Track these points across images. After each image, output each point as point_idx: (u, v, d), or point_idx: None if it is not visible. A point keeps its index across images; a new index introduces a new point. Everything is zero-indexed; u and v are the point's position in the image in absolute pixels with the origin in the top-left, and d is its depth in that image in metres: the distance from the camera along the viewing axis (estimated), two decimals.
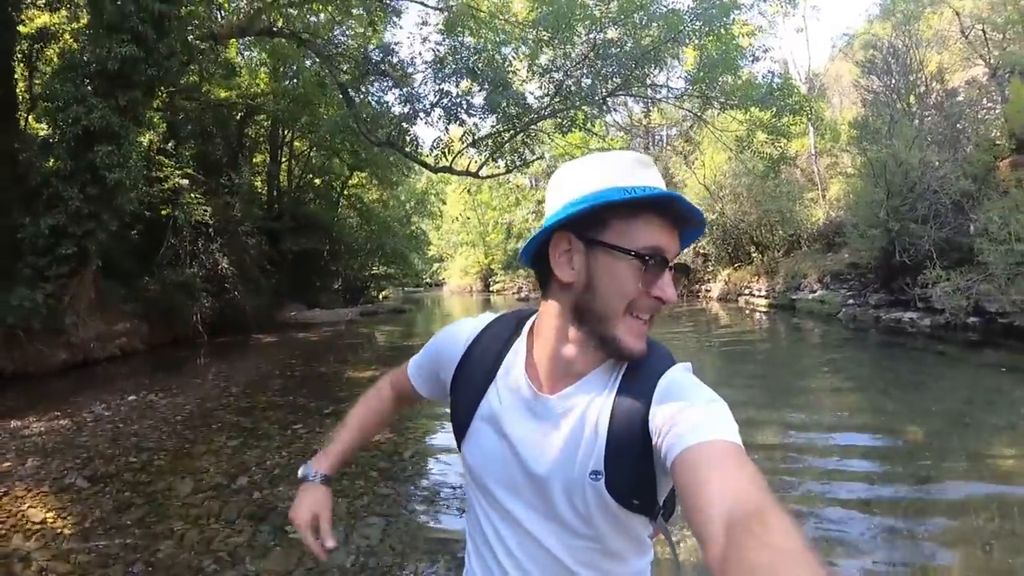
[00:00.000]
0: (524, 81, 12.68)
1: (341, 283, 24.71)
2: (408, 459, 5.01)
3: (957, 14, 15.36)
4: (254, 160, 21.39)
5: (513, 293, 39.56)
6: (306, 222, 20.39)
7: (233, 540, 3.52)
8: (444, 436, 5.50)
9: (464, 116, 11.88)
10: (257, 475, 4.53)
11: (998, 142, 12.93)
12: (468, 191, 32.62)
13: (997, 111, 14.25)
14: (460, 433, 1.03)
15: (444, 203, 41.63)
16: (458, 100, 11.73)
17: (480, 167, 13.93)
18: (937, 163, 12.24)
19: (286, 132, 21.36)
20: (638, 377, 0.89)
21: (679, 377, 0.87)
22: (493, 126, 12.60)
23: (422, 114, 11.87)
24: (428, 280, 59.47)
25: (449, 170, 13.32)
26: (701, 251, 24.49)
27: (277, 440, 5.44)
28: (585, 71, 11.67)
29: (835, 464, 4.66)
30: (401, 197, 30.74)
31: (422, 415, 6.30)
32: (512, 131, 12.45)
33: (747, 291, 20.58)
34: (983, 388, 7.18)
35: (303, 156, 23.47)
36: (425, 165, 14.11)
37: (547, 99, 12.24)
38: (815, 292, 16.50)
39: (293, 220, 19.90)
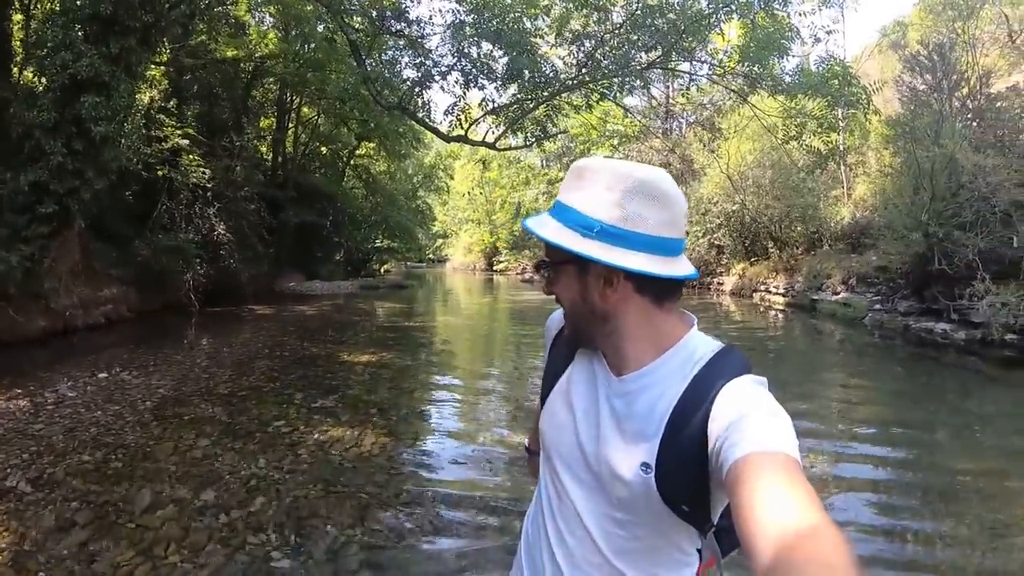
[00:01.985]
0: (552, 46, 11.75)
1: (343, 255, 24.30)
2: (406, 475, 4.31)
3: (1006, 17, 14.37)
4: (260, 125, 20.65)
5: (517, 274, 38.92)
6: (310, 191, 19.88)
7: None
8: (447, 447, 4.82)
9: (484, 81, 10.98)
10: (229, 488, 3.81)
11: None
12: (483, 163, 31.70)
13: None
14: (542, 405, 1.09)
15: (452, 178, 40.83)
16: (478, 64, 10.81)
17: (497, 138, 12.88)
18: (990, 168, 11.39)
19: (294, 97, 20.66)
20: (708, 378, 0.87)
21: (746, 386, 0.85)
22: (514, 95, 11.66)
23: (437, 77, 10.97)
24: (431, 256, 58.99)
25: (464, 139, 12.36)
26: (716, 242, 23.64)
27: (256, 441, 4.70)
28: (621, 40, 10.71)
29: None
30: (408, 170, 30.08)
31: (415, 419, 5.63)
32: (535, 101, 11.53)
33: (763, 287, 19.68)
34: None
35: (310, 123, 22.78)
36: (438, 133, 13.23)
37: (575, 69, 11.30)
38: (838, 294, 15.70)
39: (296, 189, 19.36)
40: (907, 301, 12.96)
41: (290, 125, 21.63)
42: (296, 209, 18.67)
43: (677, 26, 10.27)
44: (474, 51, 10.73)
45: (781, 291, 18.37)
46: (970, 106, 14.10)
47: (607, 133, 24.62)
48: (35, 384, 6.23)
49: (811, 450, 4.83)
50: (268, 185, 18.52)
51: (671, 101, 28.53)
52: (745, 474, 0.71)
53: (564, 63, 11.50)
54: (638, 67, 10.57)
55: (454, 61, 10.83)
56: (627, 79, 11.00)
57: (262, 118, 20.90)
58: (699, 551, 0.94)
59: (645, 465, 0.87)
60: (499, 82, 11.07)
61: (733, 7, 10.52)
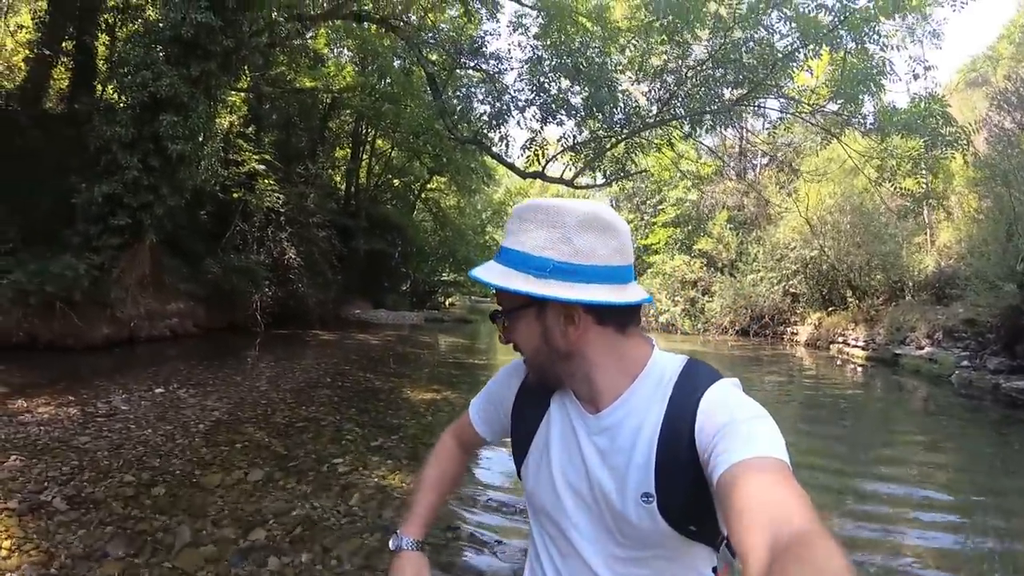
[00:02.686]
0: (634, 82, 11.32)
1: (409, 286, 24.38)
2: (464, 534, 3.77)
3: None
4: (335, 154, 21.10)
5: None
6: (381, 221, 20.14)
7: None
8: (506, 502, 4.26)
9: (563, 116, 10.58)
10: (276, 532, 3.43)
11: None
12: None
13: None
14: (519, 462, 1.05)
15: None
16: (557, 99, 10.44)
17: (575, 176, 12.36)
18: None
19: (369, 129, 21.05)
20: (685, 393, 0.87)
21: (723, 391, 0.85)
22: (593, 131, 11.19)
23: (514, 112, 10.66)
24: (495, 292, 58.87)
25: (541, 176, 11.92)
26: (791, 290, 22.42)
27: (310, 479, 4.32)
28: (705, 76, 10.18)
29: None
30: (478, 206, 30.12)
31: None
32: (615, 137, 11.04)
33: (840, 339, 18.48)
34: None
35: (384, 155, 23.20)
36: (513, 168, 12.92)
37: (657, 105, 10.81)
38: (923, 348, 14.52)
39: (368, 218, 19.63)
40: (997, 357, 11.90)
41: (364, 156, 22.03)
42: (366, 238, 18.87)
43: (765, 59, 9.66)
44: (553, 87, 10.40)
45: (860, 344, 17.22)
46: None
47: (680, 174, 24.12)
48: (89, 392, 6.07)
49: (888, 518, 4.37)
50: (340, 213, 18.76)
51: (745, 141, 27.79)
52: (736, 482, 0.71)
53: (647, 99, 10.99)
54: (723, 104, 9.94)
55: (532, 95, 10.49)
56: (713, 116, 10.37)
57: (337, 148, 21.39)
58: (714, 569, 0.93)
59: (646, 495, 0.86)
60: (578, 117, 10.66)
61: (821, 39, 9.83)
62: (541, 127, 10.96)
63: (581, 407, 0.96)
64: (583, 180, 14.20)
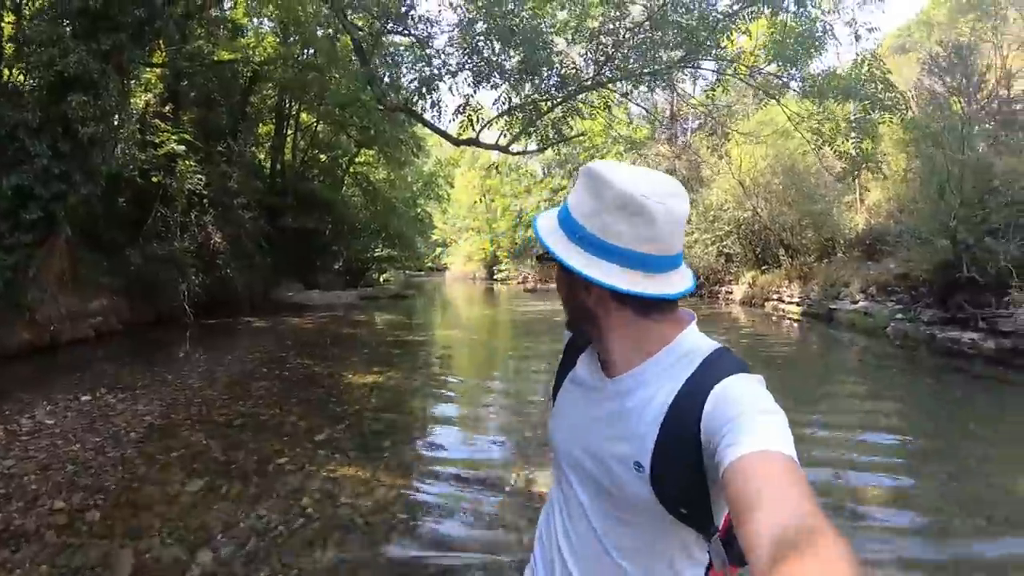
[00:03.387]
0: (570, 43, 11.10)
1: (341, 264, 23.87)
2: (425, 534, 3.74)
3: None
4: (259, 131, 20.27)
5: (519, 283, 38.34)
6: (309, 199, 19.51)
7: None
8: (466, 487, 4.27)
9: (497, 79, 10.28)
10: (225, 550, 3.20)
11: None
12: (495, 168, 31.48)
13: None
14: (552, 410, 1.13)
15: (452, 186, 40.27)
16: (490, 60, 10.14)
17: (511, 141, 12.07)
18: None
19: (293, 103, 20.27)
20: (701, 378, 0.87)
21: (740, 384, 0.84)
22: (528, 95, 10.95)
23: (447, 76, 10.30)
24: (430, 265, 58.43)
25: (475, 143, 11.58)
26: (725, 250, 23.13)
27: (254, 483, 4.09)
28: (643, 38, 10.07)
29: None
30: (408, 178, 29.53)
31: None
32: (551, 101, 10.86)
33: (775, 296, 19.13)
34: None
35: (309, 130, 22.38)
36: (447, 136, 12.54)
37: (594, 67, 10.67)
38: (857, 303, 15.13)
39: (295, 196, 18.96)
40: (931, 310, 12.54)
41: (289, 132, 21.22)
42: (294, 217, 18.30)
43: (705, 21, 9.65)
44: (486, 50, 10.09)
45: (795, 300, 17.87)
46: (992, 108, 13.63)
47: (613, 139, 24.27)
48: (11, 407, 5.66)
49: (837, 463, 4.63)
50: (266, 192, 18.10)
51: (676, 105, 28.16)
52: (742, 475, 0.70)
53: (584, 60, 10.82)
54: (662, 66, 9.90)
55: (464, 59, 10.16)
56: (651, 78, 10.32)
57: (260, 124, 20.44)
58: (709, 564, 0.93)
59: (637, 464, 0.88)
60: (513, 80, 10.42)
61: (763, 2, 9.90)
62: (474, 91, 10.72)
63: (600, 369, 1.00)
64: (517, 147, 14.02)
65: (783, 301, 18.54)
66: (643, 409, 0.90)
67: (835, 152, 12.60)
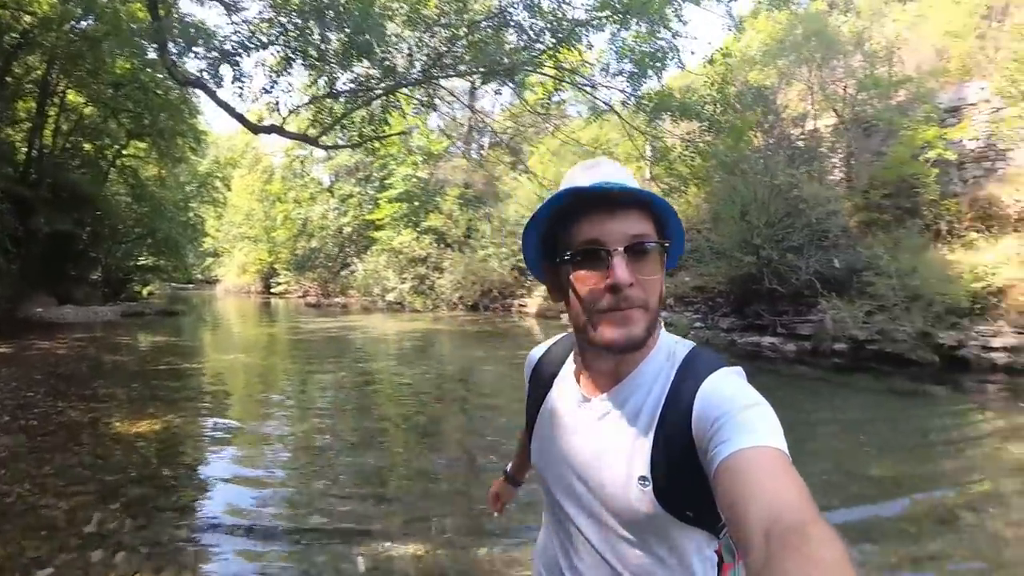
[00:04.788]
0: (400, 32, 9.71)
1: (100, 273, 20.74)
2: None
3: (820, 67, 15.56)
4: (15, 108, 16.77)
5: (299, 296, 35.12)
6: (68, 194, 16.49)
7: None
8: None
9: (314, 59, 8.42)
10: None
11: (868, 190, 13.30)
12: (299, 162, 28.64)
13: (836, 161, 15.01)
14: (529, 440, 1.10)
15: (229, 189, 36.01)
16: (308, 34, 8.34)
17: (322, 133, 10.07)
18: (823, 198, 12.18)
19: (61, 78, 16.62)
20: (686, 378, 0.87)
21: (724, 380, 0.85)
22: (344, 84, 9.28)
23: (254, 47, 8.19)
24: (199, 276, 52.05)
25: (280, 131, 9.43)
26: (520, 264, 23.26)
27: None
28: (482, 36, 9.08)
29: None
30: (181, 177, 25.73)
31: None
32: (373, 92, 9.36)
33: None
34: (886, 408, 7.32)
35: (76, 111, 18.43)
36: (244, 122, 10.21)
37: (425, 60, 9.43)
38: None
39: (52, 190, 15.97)
40: (729, 318, 13.56)
41: (52, 112, 17.39)
42: (49, 215, 15.34)
43: (559, 22, 9.01)
44: (305, 28, 8.31)
45: None
46: (787, 142, 15.12)
47: (410, 149, 23.58)
48: None
49: None
50: (17, 182, 15.10)
51: (474, 117, 28.21)
52: (733, 471, 0.71)
53: (415, 52, 9.50)
54: (500, 67, 9.01)
55: (276, 33, 8.21)
56: (496, 77, 9.39)
57: (19, 100, 16.90)
58: (718, 553, 0.91)
59: (643, 479, 0.86)
60: (333, 64, 8.72)
61: (611, 14, 9.51)
62: (285, 68, 8.74)
63: (582, 390, 0.97)
64: (327, 141, 12.13)
65: None
66: (635, 420, 0.89)
67: (665, 170, 12.86)
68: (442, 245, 25.87)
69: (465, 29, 8.57)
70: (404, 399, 8.05)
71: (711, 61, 11.04)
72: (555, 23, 9.22)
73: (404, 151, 26.05)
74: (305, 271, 35.78)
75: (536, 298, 22.11)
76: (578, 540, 0.95)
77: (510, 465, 1.45)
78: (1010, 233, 11.55)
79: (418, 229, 26.18)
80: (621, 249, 0.84)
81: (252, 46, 8.10)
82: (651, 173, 21.11)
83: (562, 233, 0.90)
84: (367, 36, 7.64)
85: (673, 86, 13.84)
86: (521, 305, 23.01)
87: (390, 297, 25.04)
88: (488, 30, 8.97)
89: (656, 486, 0.84)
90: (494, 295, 23.90)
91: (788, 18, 14.13)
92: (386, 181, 28.64)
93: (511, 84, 9.88)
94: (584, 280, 0.86)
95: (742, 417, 0.76)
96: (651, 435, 0.86)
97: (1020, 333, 9.47)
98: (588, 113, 13.54)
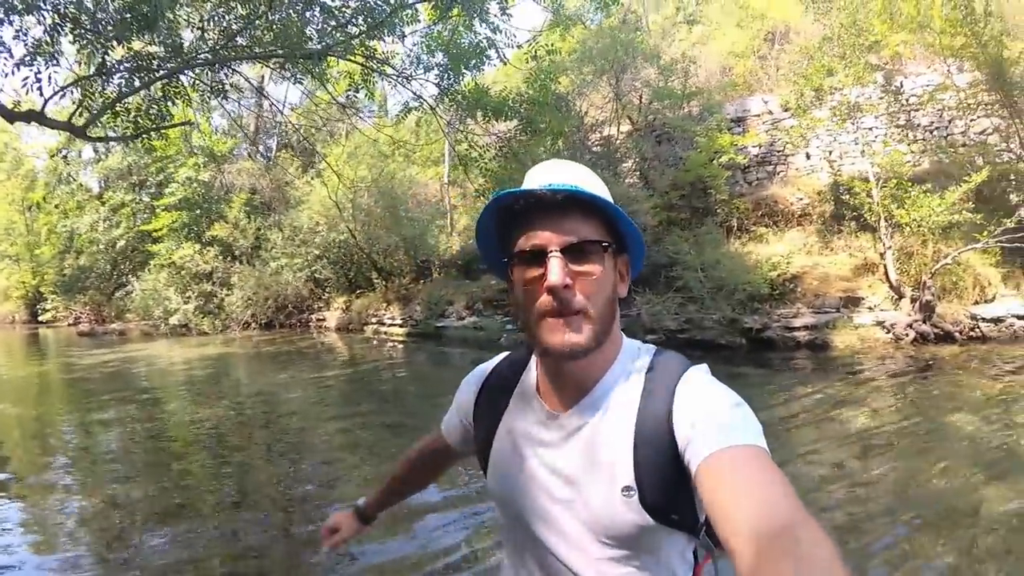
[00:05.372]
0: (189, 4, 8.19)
1: None
2: None
3: (617, 79, 16.42)
4: None
5: (70, 324, 29.76)
6: None
7: None
8: None
9: (83, 19, 6.65)
10: None
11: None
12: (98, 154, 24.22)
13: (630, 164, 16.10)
14: (484, 466, 1.02)
15: None
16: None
17: (90, 121, 8.01)
18: (631, 198, 12.84)
19: None
20: (658, 380, 0.86)
21: (697, 379, 0.85)
22: (125, 58, 7.52)
23: (19, 10, 6.24)
24: None
25: (39, 118, 7.28)
26: (315, 275, 21.86)
27: None
28: (284, 17, 7.93)
29: None
30: None
31: None
32: (150, 74, 7.77)
33: (375, 320, 18.76)
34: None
35: None
36: None
37: (217, 39, 8.07)
38: (464, 319, 15.74)
39: None
40: None
41: None
42: None
43: (368, 9, 8.17)
44: None
45: (398, 322, 17.79)
46: (586, 146, 15.88)
47: (192, 149, 21.44)
48: None
49: None
50: None
51: (263, 115, 26.57)
52: (715, 473, 0.70)
53: (203, 26, 8.08)
54: (302, 51, 7.95)
55: None
56: (298, 61, 8.27)
57: None
58: (695, 552, 0.91)
59: (626, 489, 0.83)
60: (105, 38, 7.03)
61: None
62: (51, 41, 6.85)
63: (545, 406, 0.93)
64: (95, 132, 9.95)
65: (384, 324, 18.28)
66: (610, 431, 0.86)
67: (481, 171, 12.62)
68: (229, 258, 23.00)
69: (265, 6, 7.56)
70: (204, 448, 6.59)
71: (534, 57, 10.99)
72: (367, 10, 8.55)
73: (184, 152, 23.51)
74: (75, 294, 30.44)
75: (335, 311, 20.81)
76: (555, 568, 0.90)
77: (363, 500, 1.36)
78: (795, 227, 13.22)
79: (201, 240, 23.27)
80: (558, 250, 0.82)
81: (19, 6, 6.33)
82: (449, 177, 21.33)
83: (509, 235, 0.88)
84: (151, 5, 6.35)
85: (489, 81, 13.84)
86: (320, 320, 21.41)
87: (174, 320, 21.75)
88: (293, 11, 8.03)
89: (641, 494, 0.82)
90: (290, 311, 21.90)
91: (582, 33, 14.87)
92: (164, 188, 25.24)
93: (313, 72, 8.95)
94: (525, 282, 0.85)
95: (720, 418, 0.76)
96: (630, 443, 0.84)
97: (817, 313, 10.70)
98: (398, 110, 12.95)
